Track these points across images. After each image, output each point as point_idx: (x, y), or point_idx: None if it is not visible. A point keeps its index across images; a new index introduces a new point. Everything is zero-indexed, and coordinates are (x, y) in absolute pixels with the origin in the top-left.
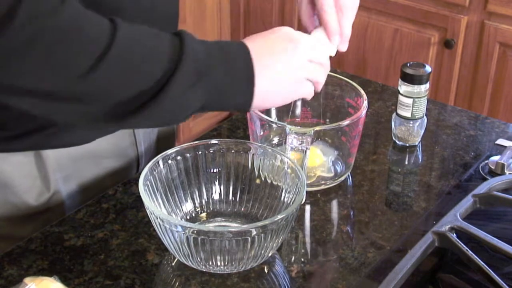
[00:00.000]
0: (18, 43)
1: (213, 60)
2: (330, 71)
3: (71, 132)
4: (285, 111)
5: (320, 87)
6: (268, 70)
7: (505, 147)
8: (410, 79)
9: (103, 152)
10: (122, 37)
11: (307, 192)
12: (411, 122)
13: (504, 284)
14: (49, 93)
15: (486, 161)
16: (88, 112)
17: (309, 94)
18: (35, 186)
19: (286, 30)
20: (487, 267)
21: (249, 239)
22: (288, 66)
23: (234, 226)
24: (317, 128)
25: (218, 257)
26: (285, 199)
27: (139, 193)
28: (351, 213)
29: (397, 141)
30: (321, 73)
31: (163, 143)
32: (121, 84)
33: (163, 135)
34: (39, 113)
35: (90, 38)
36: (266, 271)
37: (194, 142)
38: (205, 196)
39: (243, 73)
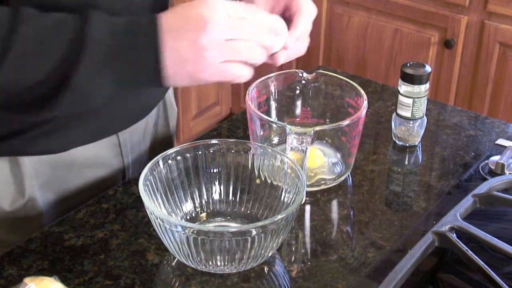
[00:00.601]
0: None
1: (118, 47)
2: (330, 71)
3: (45, 140)
4: (285, 111)
5: (257, 63)
6: (175, 55)
7: (505, 147)
8: (410, 79)
9: (84, 161)
10: (22, 32)
11: (307, 192)
12: (411, 122)
13: (504, 284)
14: None
15: (486, 161)
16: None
17: (237, 78)
18: (8, 192)
19: (195, 7)
20: (487, 267)
21: (249, 239)
22: (195, 49)
23: (234, 226)
24: (317, 128)
25: (218, 257)
26: (285, 199)
27: (139, 193)
28: (351, 213)
29: (397, 141)
30: (250, 52)
31: (159, 150)
32: (25, 78)
33: (160, 141)
34: None
35: None
36: (266, 271)
37: (194, 142)
38: (205, 196)
39: (150, 62)
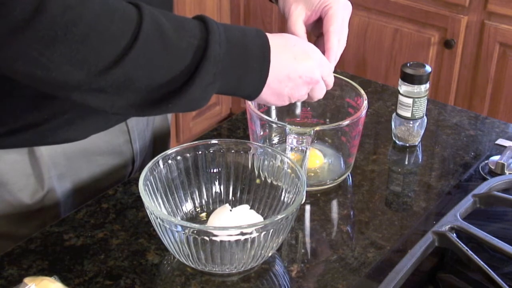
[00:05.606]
0: (47, 37)
1: (233, 62)
2: None
3: (66, 129)
4: (285, 111)
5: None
6: (279, 77)
7: (505, 147)
8: (410, 79)
9: (97, 149)
10: (147, 31)
11: (307, 192)
12: (411, 122)
13: (504, 284)
14: (76, 86)
15: (486, 161)
16: (115, 102)
17: (299, 100)
18: (29, 184)
19: (305, 44)
20: (487, 267)
21: (249, 239)
22: (296, 83)
23: (234, 226)
24: (317, 128)
25: (218, 257)
26: (285, 199)
27: (139, 193)
28: (351, 213)
29: (397, 141)
30: (321, 92)
31: (158, 141)
32: (143, 78)
33: (159, 133)
34: (75, 100)
35: (116, 31)
36: (266, 271)
37: (194, 142)
38: (205, 196)
39: (257, 76)
